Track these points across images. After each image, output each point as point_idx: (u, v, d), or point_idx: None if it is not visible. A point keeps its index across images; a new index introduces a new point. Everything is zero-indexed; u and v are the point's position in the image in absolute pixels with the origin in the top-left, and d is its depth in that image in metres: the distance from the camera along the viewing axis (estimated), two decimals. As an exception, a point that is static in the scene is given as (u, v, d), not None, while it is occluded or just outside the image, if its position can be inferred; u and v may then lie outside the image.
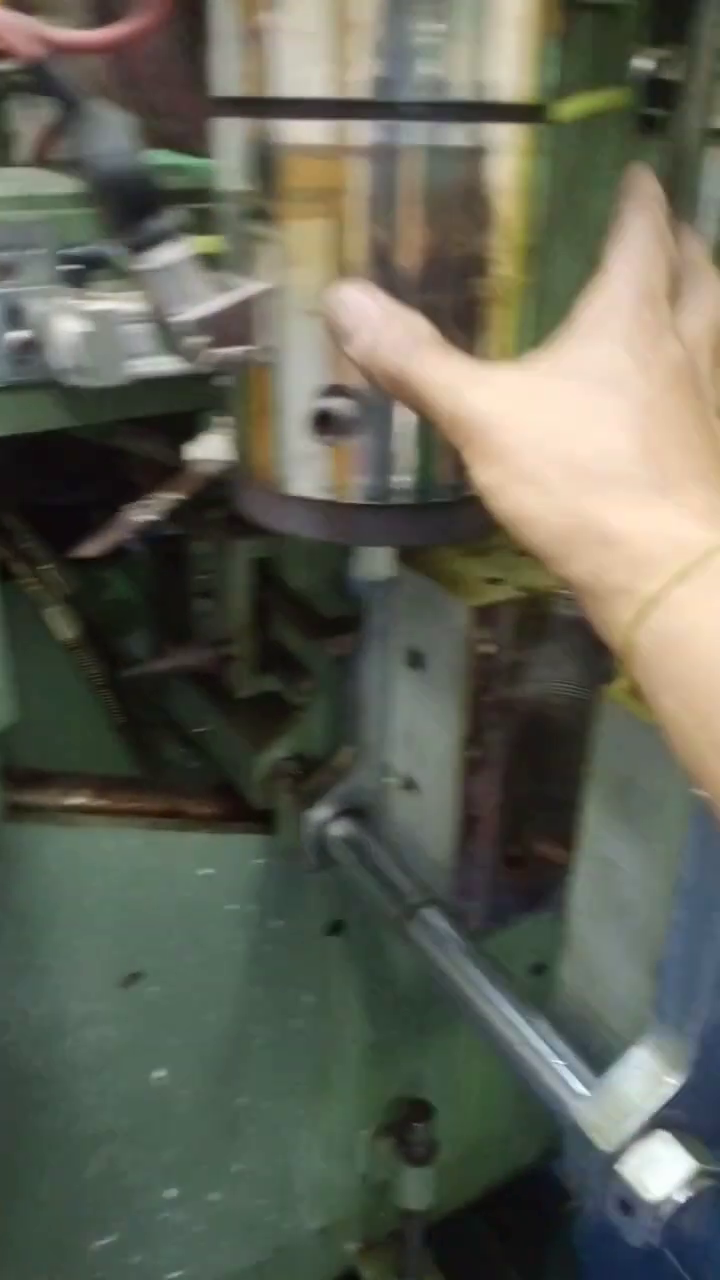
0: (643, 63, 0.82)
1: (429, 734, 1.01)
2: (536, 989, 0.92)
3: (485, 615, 0.91)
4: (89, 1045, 1.17)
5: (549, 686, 0.99)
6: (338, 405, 0.60)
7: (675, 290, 0.56)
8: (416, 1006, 1.32)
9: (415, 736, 1.03)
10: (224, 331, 0.62)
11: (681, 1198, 0.72)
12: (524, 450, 0.50)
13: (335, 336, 0.57)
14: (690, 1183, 0.72)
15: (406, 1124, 1.38)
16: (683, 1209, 0.72)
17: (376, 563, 0.78)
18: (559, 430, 0.50)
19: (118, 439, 1.09)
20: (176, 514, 1.20)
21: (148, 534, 1.30)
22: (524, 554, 0.96)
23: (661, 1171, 0.73)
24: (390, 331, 0.55)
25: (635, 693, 0.49)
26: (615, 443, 0.49)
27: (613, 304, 0.54)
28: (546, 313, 1.01)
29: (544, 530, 0.49)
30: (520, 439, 0.50)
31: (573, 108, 0.83)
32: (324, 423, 0.60)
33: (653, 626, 0.45)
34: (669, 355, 0.52)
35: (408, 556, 0.96)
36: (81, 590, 1.40)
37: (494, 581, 0.94)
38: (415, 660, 1.00)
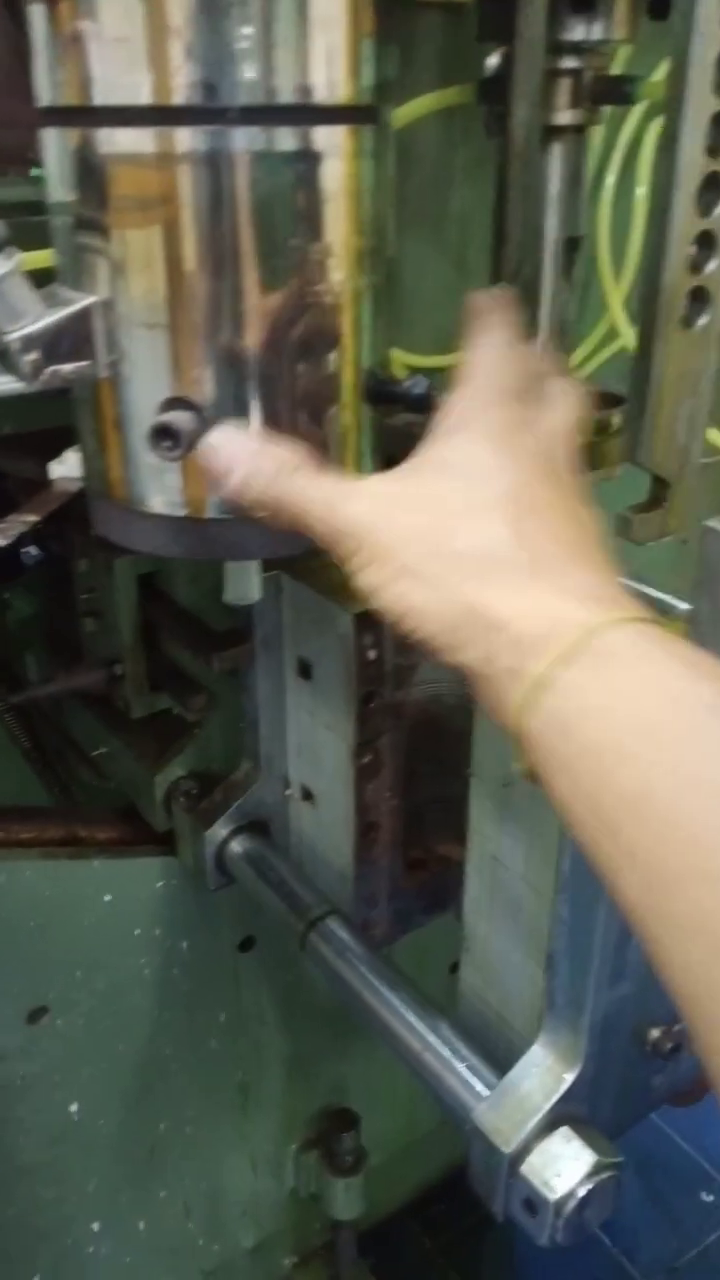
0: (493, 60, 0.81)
1: (322, 743, 1.00)
2: (455, 987, 0.92)
3: (368, 621, 0.90)
4: (0, 1084, 1.13)
5: (437, 688, 0.99)
6: (178, 419, 0.59)
7: (532, 394, 0.59)
8: (334, 1016, 1.31)
9: (310, 747, 1.02)
10: (59, 347, 0.60)
11: (583, 1192, 0.72)
12: (401, 547, 0.52)
13: (212, 482, 0.60)
14: (591, 1176, 0.72)
15: (332, 1134, 1.37)
16: (585, 1203, 0.72)
17: (246, 585, 0.77)
18: (433, 525, 0.52)
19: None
20: (56, 533, 1.17)
21: (37, 553, 1.28)
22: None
23: (563, 1168, 0.73)
24: (262, 465, 0.58)
25: (533, 775, 0.49)
26: (489, 530, 0.50)
27: (470, 404, 0.56)
28: (412, 309, 1.02)
29: (432, 620, 0.51)
30: (396, 537, 0.52)
31: (407, 109, 0.84)
32: (164, 436, 0.58)
33: (542, 709, 0.46)
34: (528, 446, 0.54)
35: (290, 566, 0.95)
36: (-24, 613, 1.37)
37: (375, 586, 0.94)
38: (305, 670, 0.99)
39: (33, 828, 1.13)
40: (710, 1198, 1.79)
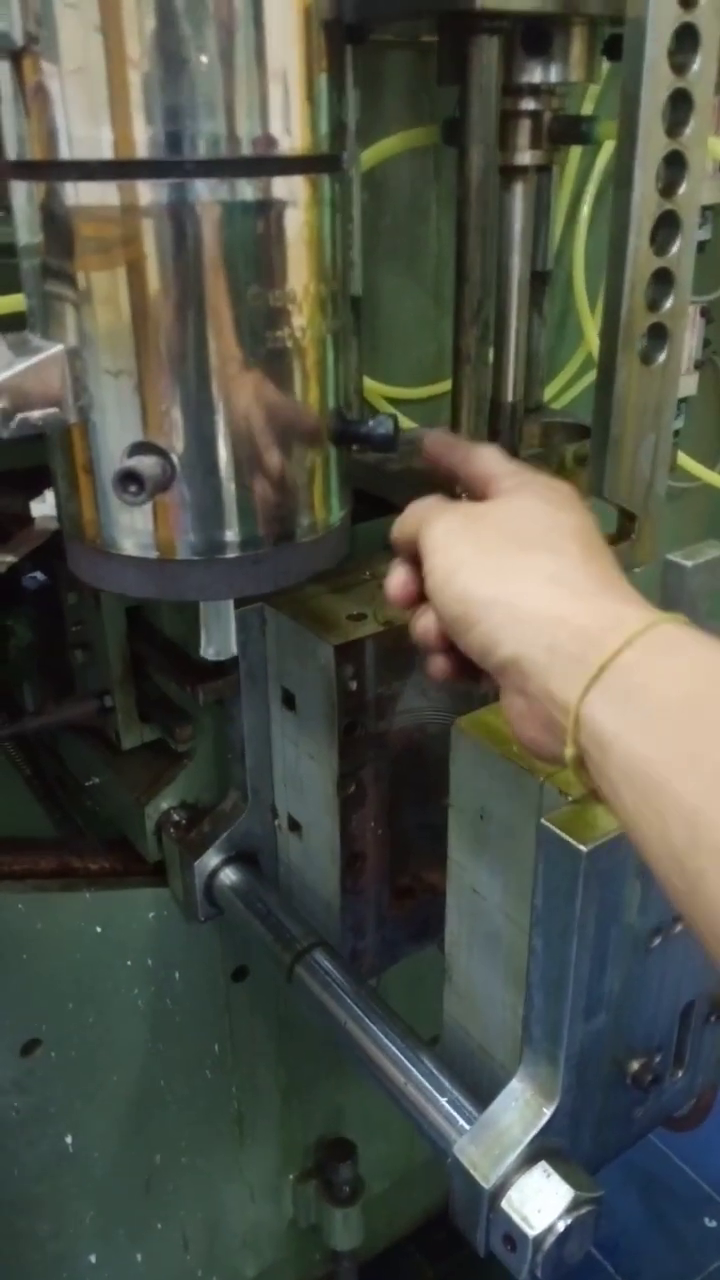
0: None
1: (307, 773, 1.00)
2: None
3: (349, 651, 0.91)
4: (-5, 1116, 1.14)
5: (421, 716, 0.99)
6: (143, 464, 0.60)
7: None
8: (329, 1045, 1.30)
9: (295, 777, 1.03)
10: (28, 395, 0.61)
11: (562, 1227, 0.72)
12: (480, 552, 0.60)
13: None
14: (570, 1211, 0.72)
15: (330, 1164, 1.36)
16: (564, 1238, 0.72)
17: (224, 639, 0.78)
18: (508, 539, 0.59)
19: (-23, 496, 1.07)
20: (48, 566, 1.19)
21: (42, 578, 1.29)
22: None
23: (542, 1203, 0.73)
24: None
25: (593, 791, 0.53)
26: (561, 548, 0.58)
27: (515, 477, 0.64)
28: (389, 342, 1.03)
29: (496, 614, 0.57)
30: (476, 542, 0.60)
31: (376, 150, 0.85)
32: (130, 481, 0.60)
33: (604, 687, 0.50)
34: (574, 503, 0.62)
35: (273, 598, 0.96)
36: (-21, 640, 1.38)
37: (357, 618, 0.94)
38: (289, 700, 1.00)
39: (25, 860, 1.13)
40: (714, 1223, 1.77)
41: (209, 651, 0.79)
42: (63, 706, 1.18)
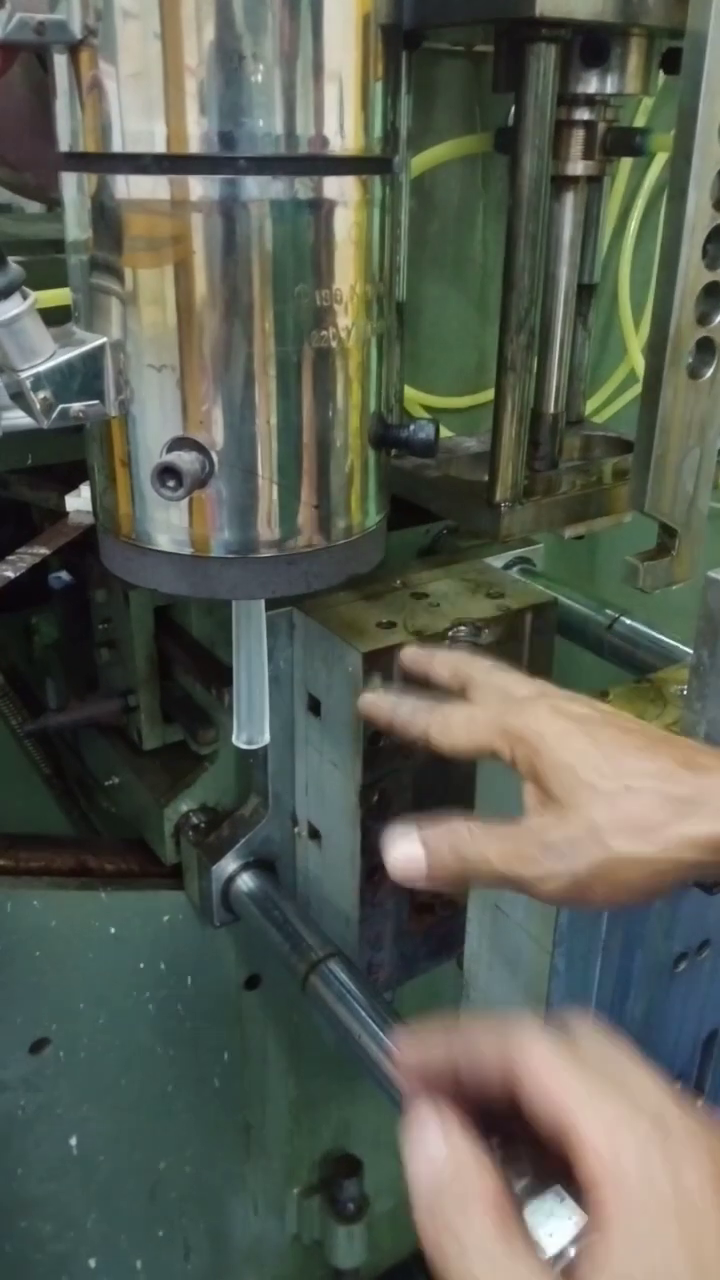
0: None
1: (329, 781, 0.99)
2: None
3: (377, 659, 0.90)
4: (1, 1114, 1.13)
5: (446, 730, 0.98)
6: (183, 459, 0.60)
7: None
8: (339, 1059, 1.29)
9: (317, 784, 1.02)
10: (70, 387, 0.61)
11: (574, 1252, 0.70)
12: None
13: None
14: (583, 1237, 0.70)
15: (335, 1180, 1.35)
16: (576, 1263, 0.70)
17: (257, 728, 0.79)
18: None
19: (12, 489, 1.08)
20: (77, 563, 1.19)
21: (67, 578, 1.29)
22: (417, 596, 0.96)
23: (555, 1227, 0.71)
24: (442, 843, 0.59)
25: None
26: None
27: None
28: (431, 350, 1.03)
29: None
30: None
31: (427, 156, 0.85)
32: (169, 476, 0.59)
33: None
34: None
35: (301, 602, 0.96)
36: (7, 637, 1.38)
37: (387, 625, 0.94)
38: (314, 706, 0.99)
39: (42, 857, 1.13)
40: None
41: (240, 739, 0.79)
42: (87, 704, 1.17)
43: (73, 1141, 1.18)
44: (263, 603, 0.75)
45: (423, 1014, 0.92)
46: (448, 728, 0.61)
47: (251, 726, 0.78)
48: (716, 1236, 0.41)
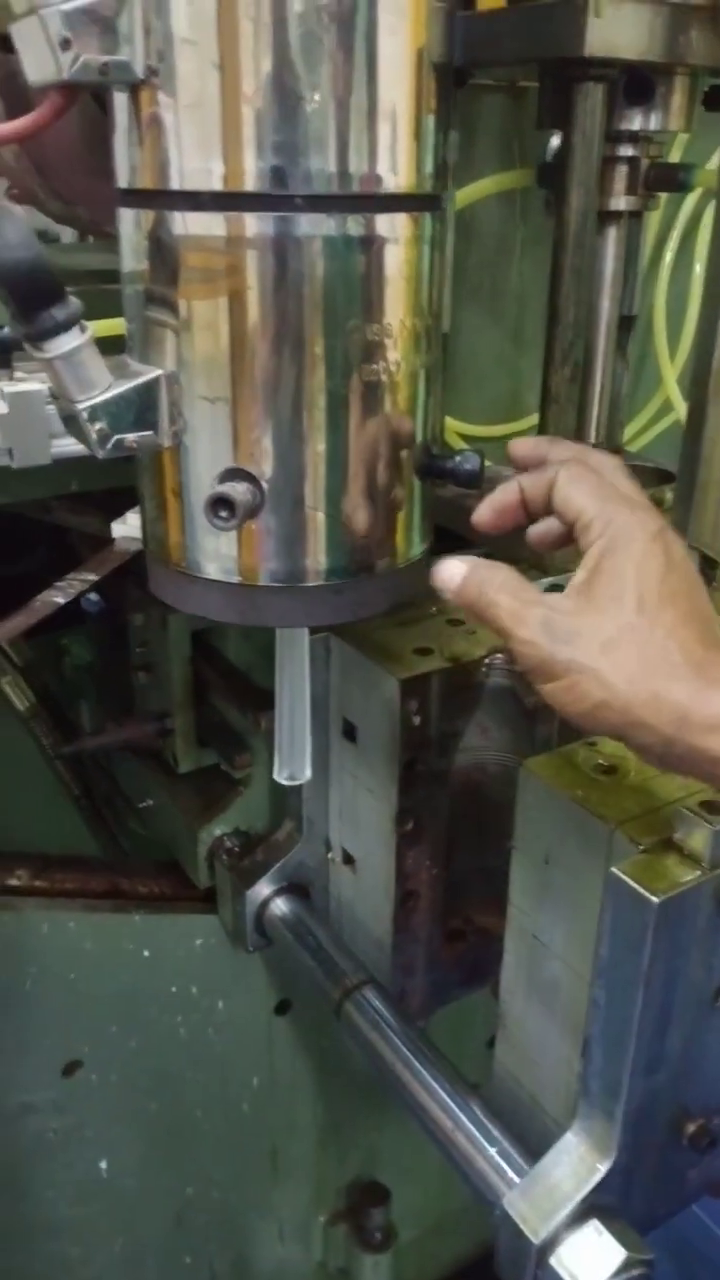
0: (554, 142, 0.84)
1: (364, 807, 1.00)
2: (491, 1064, 0.90)
3: (414, 686, 0.91)
4: (32, 1135, 1.13)
5: (482, 755, 0.98)
6: (235, 490, 0.61)
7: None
8: (368, 1086, 1.29)
9: (351, 810, 1.02)
10: (125, 418, 0.62)
11: None
12: (613, 681, 0.58)
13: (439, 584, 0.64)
14: (621, 1272, 0.70)
15: (362, 1208, 1.34)
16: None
17: (298, 764, 0.80)
18: (632, 653, 0.58)
19: (54, 514, 1.09)
20: (115, 588, 1.20)
21: (97, 600, 1.31)
22: (453, 623, 0.97)
23: (593, 1262, 0.71)
24: (483, 575, 0.62)
25: None
26: (683, 650, 0.58)
27: (610, 525, 0.61)
28: (467, 380, 1.04)
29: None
30: (607, 671, 0.58)
31: (468, 191, 0.86)
32: (221, 506, 0.60)
33: None
34: (672, 554, 0.60)
35: (339, 629, 0.96)
36: (39, 658, 1.40)
37: (423, 652, 0.94)
38: (349, 732, 0.99)
39: (76, 879, 1.14)
40: (751, 1296, 1.71)
41: (282, 775, 0.80)
42: (123, 726, 1.18)
43: (102, 1165, 1.18)
44: (306, 631, 0.75)
45: (451, 1044, 0.92)
46: (577, 480, 0.62)
47: (294, 763, 0.79)
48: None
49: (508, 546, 0.85)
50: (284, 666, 0.77)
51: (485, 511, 0.66)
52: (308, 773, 0.81)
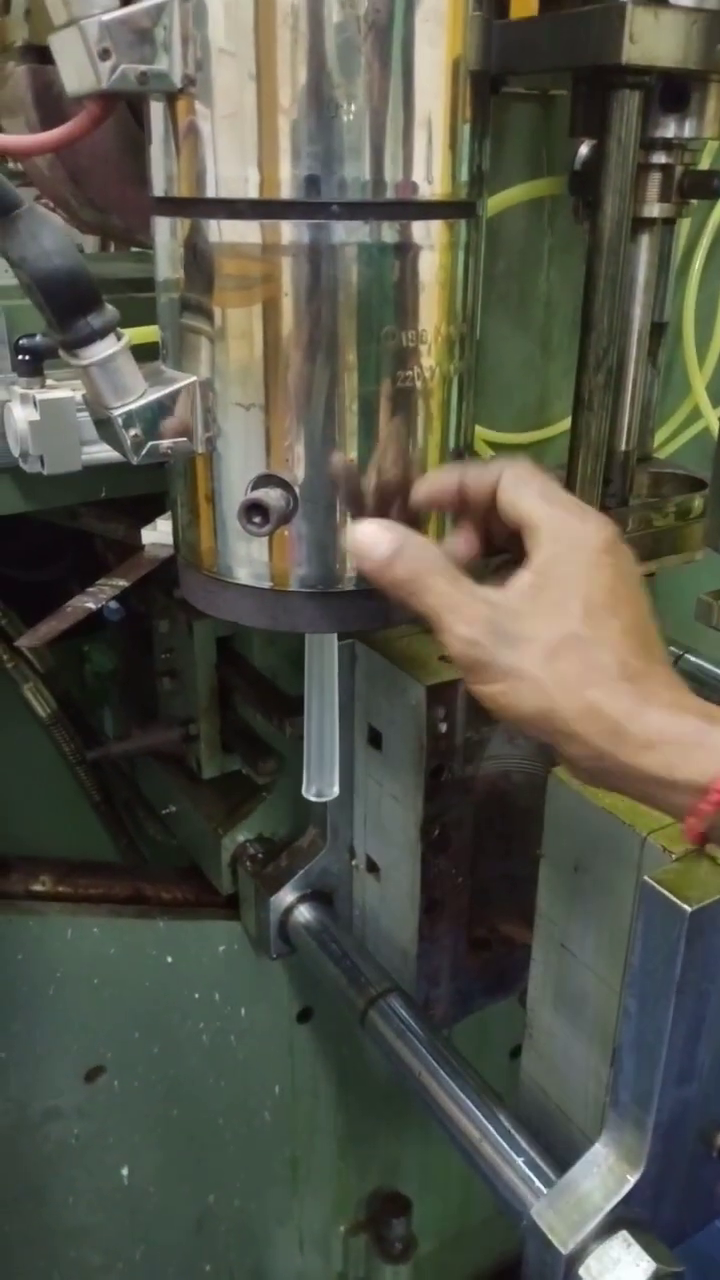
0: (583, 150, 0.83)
1: (389, 815, 0.99)
2: (515, 1074, 0.90)
3: (440, 693, 0.91)
4: (54, 1141, 1.13)
5: (508, 764, 0.98)
6: (269, 496, 0.61)
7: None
8: (391, 1094, 1.28)
9: (376, 817, 1.02)
10: (159, 424, 0.62)
11: None
12: (533, 670, 0.57)
13: (357, 556, 0.62)
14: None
15: (383, 1219, 1.33)
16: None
17: (326, 781, 0.80)
18: (557, 649, 0.57)
19: (82, 521, 1.10)
20: (140, 593, 1.20)
21: (117, 607, 1.31)
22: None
23: (622, 1274, 0.70)
24: (408, 551, 0.60)
25: None
26: (611, 653, 0.57)
27: (550, 525, 0.60)
28: (494, 387, 1.04)
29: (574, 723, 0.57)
30: (529, 662, 0.57)
31: (499, 199, 0.86)
32: (255, 512, 0.60)
33: None
34: (616, 554, 0.60)
35: (365, 635, 0.96)
36: (60, 665, 1.40)
37: (449, 659, 0.94)
38: (375, 739, 0.99)
39: (100, 884, 1.14)
40: (776, 1316, 1.69)
41: (310, 792, 0.80)
42: (148, 732, 1.19)
43: (124, 1172, 1.18)
44: (335, 636, 0.75)
45: (475, 1054, 0.91)
46: (524, 481, 0.60)
47: (321, 779, 0.79)
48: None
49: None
50: (313, 673, 0.77)
51: (422, 489, 0.64)
52: (335, 790, 0.81)
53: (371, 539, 0.59)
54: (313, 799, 0.81)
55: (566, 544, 0.58)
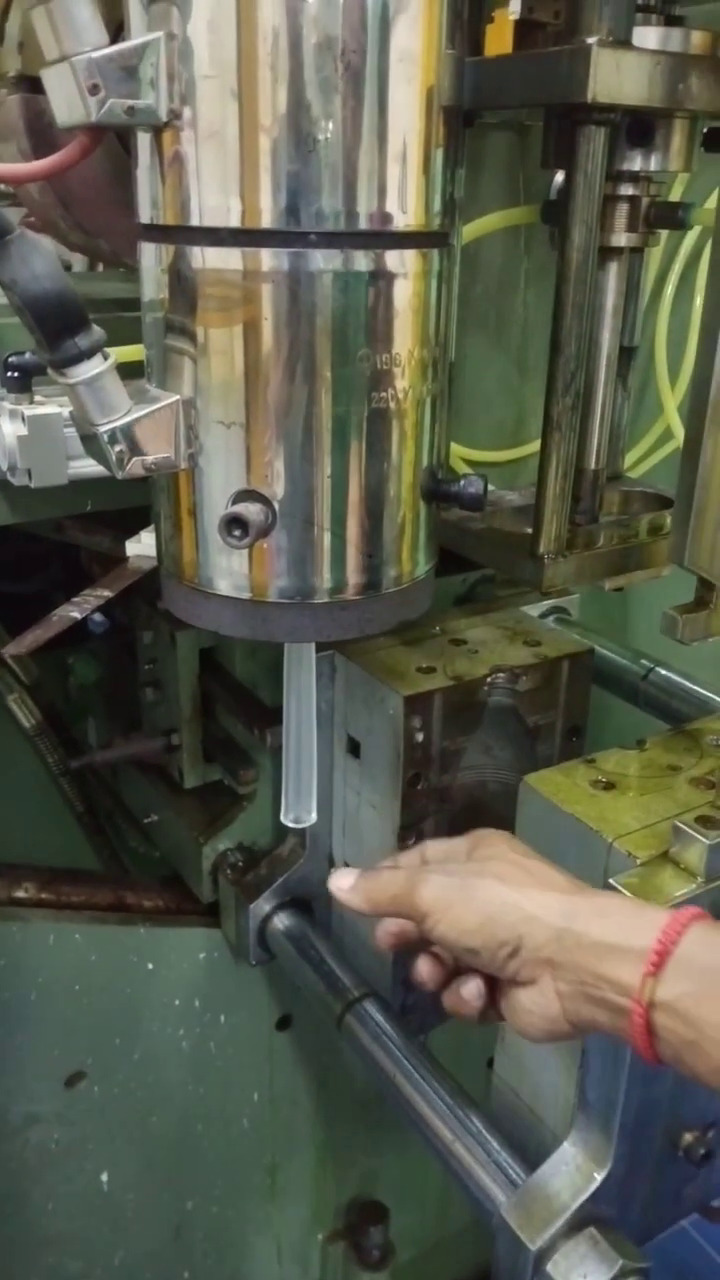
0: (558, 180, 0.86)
1: (367, 822, 1.02)
2: (490, 1084, 0.92)
3: (417, 703, 0.93)
4: (34, 1147, 1.14)
5: (483, 774, 1.00)
6: (249, 510, 0.63)
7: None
8: (369, 1102, 1.30)
9: (355, 825, 1.04)
10: (144, 440, 0.65)
11: None
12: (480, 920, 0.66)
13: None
14: (617, 1281, 0.71)
15: (360, 1227, 1.34)
16: None
17: (303, 808, 0.82)
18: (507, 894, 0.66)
19: (67, 533, 1.12)
20: (124, 604, 1.22)
21: (101, 620, 1.33)
22: (455, 643, 0.99)
23: (589, 1270, 0.72)
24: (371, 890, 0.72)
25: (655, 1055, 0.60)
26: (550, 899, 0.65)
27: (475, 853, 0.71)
28: (472, 406, 1.07)
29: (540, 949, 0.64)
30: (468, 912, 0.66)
31: (475, 226, 0.89)
32: (235, 526, 0.63)
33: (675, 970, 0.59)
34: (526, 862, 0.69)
35: (343, 646, 0.99)
36: (45, 676, 1.42)
37: (427, 670, 0.96)
38: (354, 748, 1.02)
39: (82, 891, 1.16)
40: (750, 1322, 1.71)
41: (288, 818, 0.83)
42: (130, 741, 1.20)
43: (103, 1178, 1.19)
44: (313, 646, 0.78)
45: (452, 1065, 0.93)
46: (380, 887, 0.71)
47: (299, 806, 0.82)
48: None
49: (508, 568, 0.88)
50: (292, 687, 0.79)
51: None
52: (313, 816, 0.83)
53: (336, 881, 0.72)
54: (291, 825, 0.84)
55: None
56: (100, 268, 1.56)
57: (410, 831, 0.97)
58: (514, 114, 0.93)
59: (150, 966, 1.13)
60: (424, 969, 0.70)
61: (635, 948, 0.59)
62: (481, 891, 0.66)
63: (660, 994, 0.58)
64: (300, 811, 0.83)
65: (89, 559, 1.24)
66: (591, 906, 0.63)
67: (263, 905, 1.09)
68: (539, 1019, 0.64)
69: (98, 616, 1.34)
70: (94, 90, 0.58)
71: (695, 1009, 0.57)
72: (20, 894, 1.12)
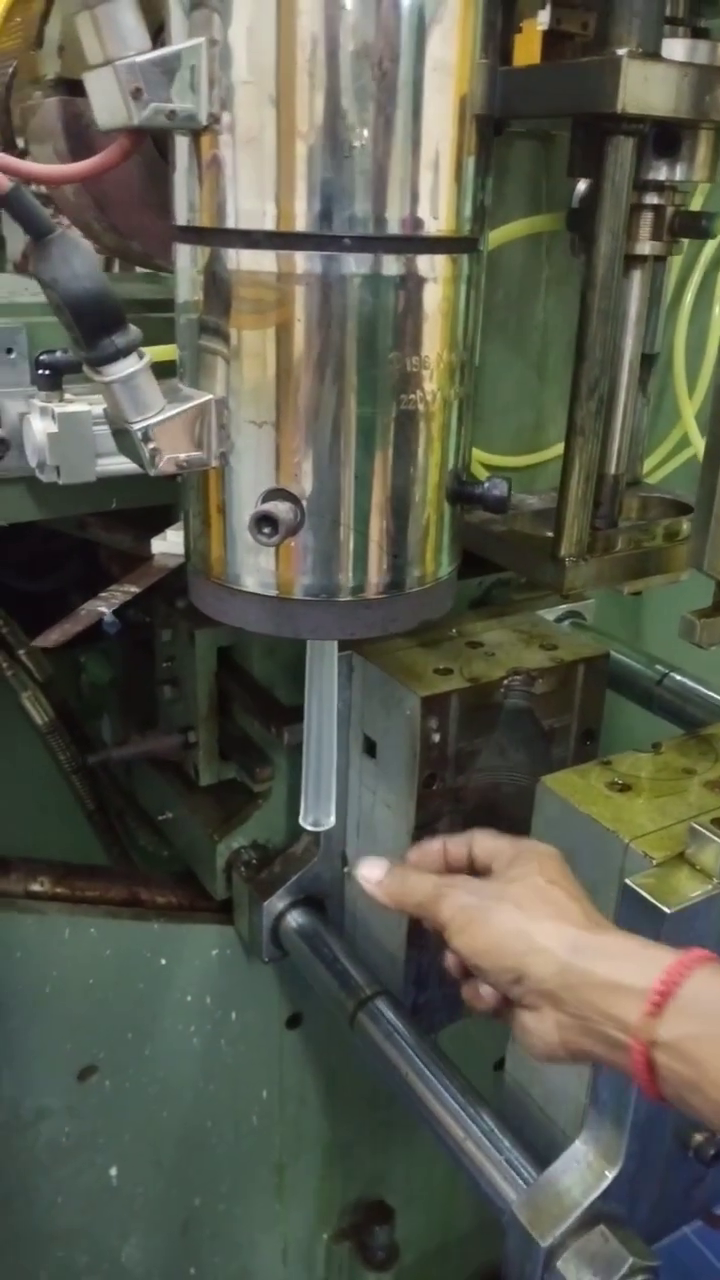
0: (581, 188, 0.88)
1: (381, 822, 1.02)
2: (499, 1086, 0.92)
3: (434, 704, 0.94)
4: (45, 1141, 1.15)
5: (497, 775, 1.01)
6: (279, 508, 0.64)
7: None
8: (378, 1103, 1.30)
9: (369, 825, 1.05)
10: (177, 439, 0.66)
11: None
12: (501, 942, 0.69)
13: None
14: (627, 1277, 0.71)
15: (366, 1227, 1.35)
16: None
17: (323, 811, 0.83)
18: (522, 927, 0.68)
19: (89, 530, 1.13)
20: (144, 603, 1.24)
21: (121, 620, 1.34)
22: (473, 645, 1.00)
23: (599, 1267, 0.73)
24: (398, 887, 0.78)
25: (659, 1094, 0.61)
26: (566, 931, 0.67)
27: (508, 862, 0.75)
28: (491, 411, 1.08)
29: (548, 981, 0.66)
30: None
31: (500, 233, 0.90)
32: (265, 523, 0.64)
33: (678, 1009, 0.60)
34: (562, 882, 0.72)
35: (362, 646, 1.00)
36: (58, 674, 1.43)
37: (443, 672, 0.97)
38: (370, 748, 1.02)
39: (97, 887, 1.16)
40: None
41: (307, 820, 0.84)
42: (147, 739, 1.21)
43: (113, 1172, 1.20)
44: (336, 645, 0.79)
45: (461, 1060, 0.94)
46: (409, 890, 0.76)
47: (319, 809, 0.83)
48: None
49: (529, 571, 0.89)
50: (313, 687, 0.80)
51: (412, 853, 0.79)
52: (332, 820, 0.84)
53: (363, 870, 0.77)
54: (309, 828, 0.85)
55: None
56: (117, 267, 1.58)
57: (424, 831, 0.98)
58: (538, 123, 0.94)
59: (163, 962, 1.14)
60: (451, 959, 0.74)
61: (638, 987, 0.61)
62: (496, 915, 0.68)
63: (662, 1034, 0.59)
64: (319, 814, 0.84)
65: (108, 558, 1.25)
66: (599, 944, 0.65)
67: (276, 903, 1.10)
68: (538, 1042, 0.66)
69: (111, 618, 1.35)
70: (136, 94, 0.59)
71: (696, 1050, 0.58)
72: (36, 887, 1.13)
